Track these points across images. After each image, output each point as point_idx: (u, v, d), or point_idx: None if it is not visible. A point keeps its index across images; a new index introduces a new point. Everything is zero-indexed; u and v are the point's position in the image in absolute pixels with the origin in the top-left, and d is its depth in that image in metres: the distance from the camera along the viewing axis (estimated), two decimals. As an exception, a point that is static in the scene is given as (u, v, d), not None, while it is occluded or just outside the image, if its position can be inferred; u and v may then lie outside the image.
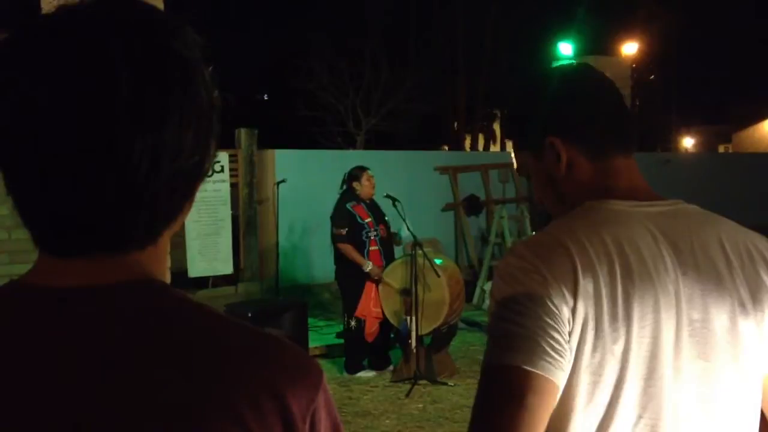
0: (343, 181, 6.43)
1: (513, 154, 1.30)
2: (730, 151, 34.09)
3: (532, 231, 9.66)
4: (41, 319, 0.70)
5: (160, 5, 4.05)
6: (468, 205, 10.68)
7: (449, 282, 6.01)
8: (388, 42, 19.63)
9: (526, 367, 1.02)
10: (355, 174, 6.28)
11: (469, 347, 7.14)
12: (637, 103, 29.41)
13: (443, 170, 10.77)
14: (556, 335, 1.04)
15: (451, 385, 5.84)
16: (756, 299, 1.12)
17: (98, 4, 0.71)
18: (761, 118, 34.54)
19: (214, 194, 8.35)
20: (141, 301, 0.71)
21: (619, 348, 1.06)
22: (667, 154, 17.73)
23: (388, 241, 6.32)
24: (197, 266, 8.26)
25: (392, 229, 6.39)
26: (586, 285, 1.06)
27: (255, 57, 29.47)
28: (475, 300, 8.82)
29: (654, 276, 1.09)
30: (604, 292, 1.06)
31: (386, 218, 6.34)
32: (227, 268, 8.50)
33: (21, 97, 0.67)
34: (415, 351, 5.88)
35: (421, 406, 5.45)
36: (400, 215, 6.16)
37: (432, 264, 5.89)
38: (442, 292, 5.94)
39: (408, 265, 5.94)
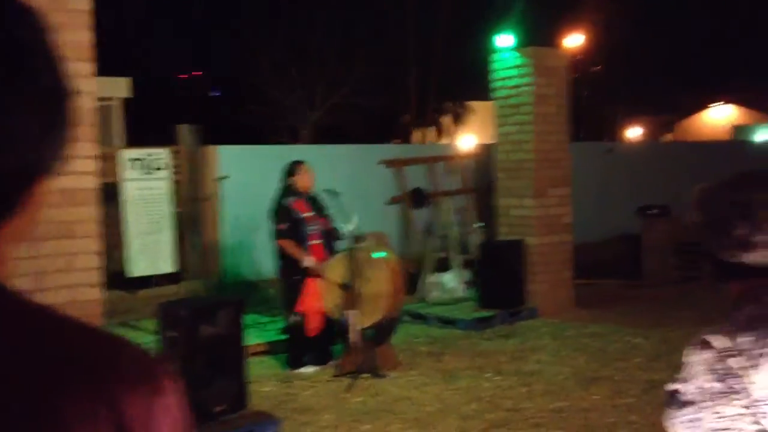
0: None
1: None
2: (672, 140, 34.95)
3: (480, 222, 9.74)
4: None
5: (86, 6, 3.96)
6: (413, 197, 10.74)
7: (391, 275, 6.03)
8: (336, 36, 19.55)
9: None
10: (291, 169, 6.26)
11: (413, 340, 7.18)
12: (586, 94, 29.85)
13: (388, 164, 10.80)
14: None
15: (392, 377, 5.86)
16: None
17: None
18: (701, 108, 35.60)
19: (155, 191, 8.21)
20: None
21: None
22: (610, 144, 18.05)
23: (331, 234, 6.30)
24: (138, 265, 8.11)
25: (335, 225, 6.36)
26: None
27: (209, 55, 29.11)
28: (419, 292, 8.86)
29: None
30: None
31: (326, 212, 6.32)
32: (169, 267, 8.38)
33: None
34: (354, 345, 5.88)
35: (362, 399, 5.46)
36: (342, 208, 6.16)
37: (371, 258, 5.90)
38: (382, 285, 5.95)
39: (348, 259, 5.94)
